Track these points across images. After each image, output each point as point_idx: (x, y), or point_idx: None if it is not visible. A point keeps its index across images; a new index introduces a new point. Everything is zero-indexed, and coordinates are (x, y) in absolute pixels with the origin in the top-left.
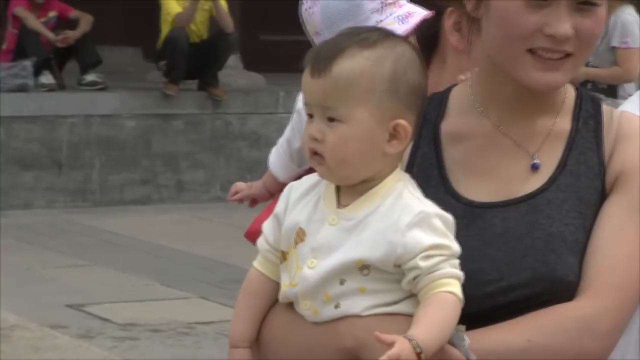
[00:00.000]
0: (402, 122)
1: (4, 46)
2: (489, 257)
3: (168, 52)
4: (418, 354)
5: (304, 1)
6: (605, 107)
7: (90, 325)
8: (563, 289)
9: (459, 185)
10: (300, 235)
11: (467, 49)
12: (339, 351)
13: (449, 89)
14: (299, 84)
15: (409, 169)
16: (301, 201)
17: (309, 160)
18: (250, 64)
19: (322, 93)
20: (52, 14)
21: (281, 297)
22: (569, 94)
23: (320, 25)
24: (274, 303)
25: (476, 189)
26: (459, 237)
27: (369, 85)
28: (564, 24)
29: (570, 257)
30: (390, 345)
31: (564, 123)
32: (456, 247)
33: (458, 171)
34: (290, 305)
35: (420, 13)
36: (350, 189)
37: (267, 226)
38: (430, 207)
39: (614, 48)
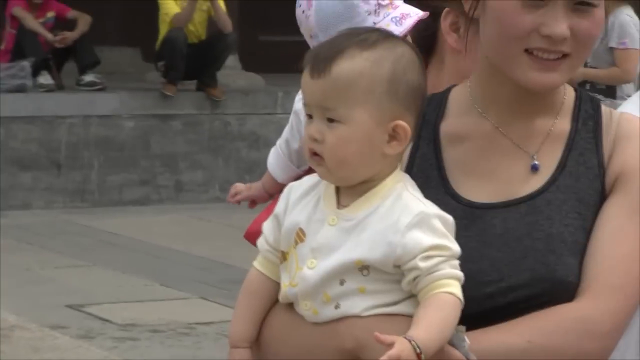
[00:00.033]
0: (401, 123)
1: (2, 46)
2: (489, 258)
3: (166, 52)
4: (418, 355)
5: (299, 4)
6: (604, 108)
7: (90, 326)
8: (563, 290)
9: (459, 186)
10: (300, 236)
11: (465, 49)
12: (339, 352)
13: (448, 90)
14: (297, 84)
15: (408, 170)
16: (301, 202)
17: (309, 161)
18: (248, 65)
19: (322, 94)
20: (51, 14)
21: (281, 297)
22: (569, 94)
23: (315, 29)
24: (274, 303)
25: (476, 190)
26: (458, 237)
27: (369, 86)
28: (560, 25)
29: (570, 258)
30: (390, 345)
31: (563, 124)
32: (456, 248)
33: (458, 172)
34: (290, 305)
35: (415, 14)
36: (350, 189)
37: (267, 226)
38: (430, 208)
39: (612, 49)
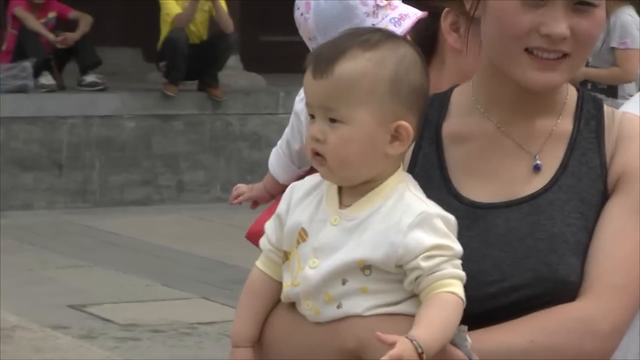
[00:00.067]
0: (403, 123)
1: (4, 47)
2: (491, 258)
3: (168, 52)
4: (419, 354)
5: (297, 6)
6: (606, 108)
7: (91, 326)
8: (565, 290)
9: (461, 186)
10: (302, 236)
11: (466, 49)
12: (341, 351)
13: (450, 90)
14: (299, 84)
15: (410, 170)
16: (303, 201)
17: (311, 161)
18: (250, 65)
19: (324, 94)
20: (52, 14)
21: (283, 297)
22: (571, 94)
23: (314, 31)
24: (276, 303)
25: (478, 190)
26: (460, 237)
27: (371, 86)
28: (559, 24)
29: (572, 258)
30: (392, 345)
31: (565, 124)
32: (458, 248)
33: (460, 172)
34: (292, 305)
35: (413, 14)
36: (352, 189)
37: (270, 226)
38: (432, 208)
39: (613, 49)
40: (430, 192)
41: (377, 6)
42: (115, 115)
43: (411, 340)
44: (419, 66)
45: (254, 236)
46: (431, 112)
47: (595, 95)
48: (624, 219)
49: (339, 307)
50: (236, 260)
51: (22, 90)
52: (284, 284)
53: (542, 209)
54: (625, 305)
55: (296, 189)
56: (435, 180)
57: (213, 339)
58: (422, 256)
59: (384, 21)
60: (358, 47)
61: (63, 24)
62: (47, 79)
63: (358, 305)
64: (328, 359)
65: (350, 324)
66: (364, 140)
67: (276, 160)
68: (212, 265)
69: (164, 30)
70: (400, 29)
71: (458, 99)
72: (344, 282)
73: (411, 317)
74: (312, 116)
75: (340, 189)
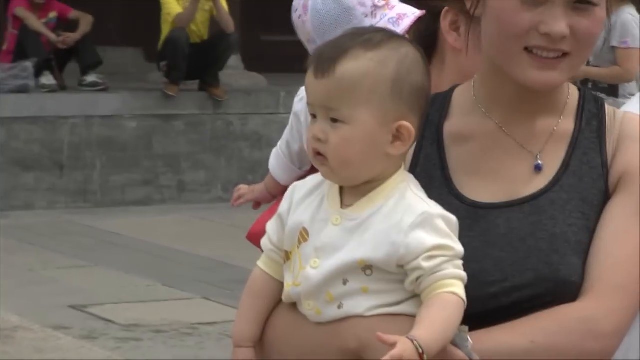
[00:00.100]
0: (405, 123)
1: (5, 47)
2: (493, 258)
3: (169, 52)
4: (420, 355)
5: (295, 9)
6: (608, 108)
7: (93, 326)
8: (566, 290)
9: (462, 185)
10: (303, 235)
11: (466, 48)
12: (342, 351)
13: (452, 90)
14: (300, 84)
15: (412, 170)
16: (305, 201)
17: (312, 161)
18: (251, 65)
19: (326, 94)
20: (53, 14)
21: (284, 297)
22: (572, 94)
23: (312, 33)
24: (278, 303)
25: (479, 190)
26: (462, 237)
27: (373, 86)
28: (559, 23)
29: (574, 258)
30: (393, 345)
31: (567, 123)
32: (459, 248)
33: (461, 172)
34: (293, 305)
35: (412, 14)
36: (354, 189)
37: (271, 226)
38: (434, 208)
39: (613, 48)
40: (432, 192)
41: (375, 6)
42: (116, 115)
43: (412, 341)
44: (420, 66)
45: (255, 237)
46: (432, 112)
47: (597, 95)
48: (625, 219)
49: (340, 307)
50: (237, 260)
51: (23, 90)
52: (285, 284)
53: (543, 208)
54: (626, 305)
55: (298, 189)
56: (436, 180)
57: (214, 339)
58: (423, 256)
59: (383, 21)
60: (360, 46)
61: (64, 24)
62: (48, 79)
63: (359, 305)
64: (329, 359)
65: (352, 324)
66: (365, 140)
67: (276, 161)
68: (213, 265)
69: (165, 30)
70: (399, 29)
71: (459, 99)
72: (345, 282)
73: (412, 317)
74: (314, 116)
75: (341, 188)
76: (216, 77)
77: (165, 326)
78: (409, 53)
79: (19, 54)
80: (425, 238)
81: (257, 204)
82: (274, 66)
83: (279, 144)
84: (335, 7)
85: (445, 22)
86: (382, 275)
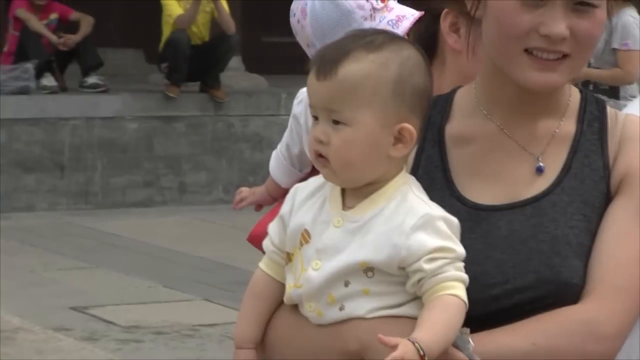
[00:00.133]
0: (407, 125)
1: (5, 48)
2: (494, 260)
3: (169, 54)
4: (421, 357)
5: (293, 13)
6: (609, 110)
7: (94, 328)
8: (568, 292)
9: (464, 187)
10: (305, 237)
11: (467, 49)
12: (343, 353)
13: (453, 91)
14: (300, 85)
15: (413, 172)
16: (306, 203)
17: (314, 162)
18: (252, 66)
19: (328, 96)
20: (54, 16)
21: (286, 298)
22: (574, 96)
23: (312, 38)
24: (279, 304)
25: (481, 192)
26: (463, 239)
27: (375, 88)
28: (559, 24)
29: (575, 260)
30: (394, 347)
31: (568, 125)
32: (461, 250)
33: (463, 174)
34: (295, 307)
35: (411, 15)
36: (356, 191)
37: (273, 227)
38: (435, 210)
39: (614, 50)
40: (433, 194)
41: (374, 9)
42: (117, 117)
43: (413, 343)
44: (422, 68)
45: (256, 239)
46: (434, 113)
47: (599, 97)
48: (627, 221)
49: (341, 309)
50: (238, 261)
51: (24, 91)
52: (287, 286)
53: (544, 211)
54: (628, 307)
55: (300, 190)
56: (438, 182)
57: (215, 340)
58: (424, 258)
59: (382, 24)
60: (362, 48)
61: (64, 25)
62: (48, 81)
63: (360, 307)
64: None
65: (353, 326)
66: (367, 142)
67: (276, 164)
68: (214, 266)
69: (166, 31)
70: (398, 31)
71: (461, 101)
72: (346, 284)
73: (413, 319)
74: (316, 118)
75: (343, 190)
76: (217, 79)
77: (166, 328)
78: (411, 55)
79: (20, 56)
80: (427, 240)
81: (258, 206)
82: (274, 68)
83: (278, 146)
84: (334, 10)
85: (445, 24)
86: (384, 277)
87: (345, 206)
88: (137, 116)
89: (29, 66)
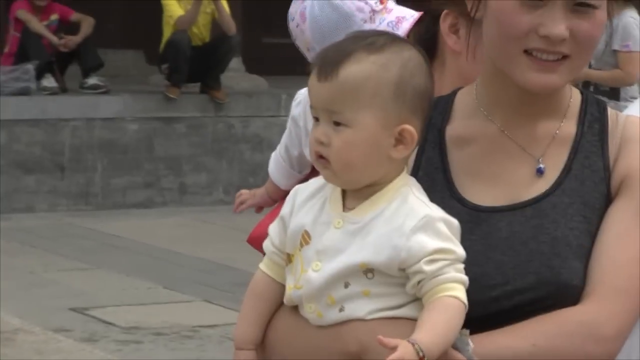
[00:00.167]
0: (408, 127)
1: (6, 49)
2: (494, 261)
3: (170, 55)
4: (421, 358)
5: (292, 17)
6: (610, 111)
7: (93, 329)
8: (568, 293)
9: (464, 189)
10: (305, 238)
11: (467, 50)
12: (343, 354)
13: (454, 93)
14: (301, 86)
15: (414, 173)
16: (307, 204)
17: (314, 164)
18: (252, 67)
19: (329, 97)
20: (54, 17)
21: (286, 299)
22: (575, 97)
23: (312, 42)
24: (280, 305)
25: (481, 193)
26: (463, 241)
27: (375, 89)
28: (558, 25)
29: (575, 262)
30: (394, 349)
31: (569, 127)
32: (461, 252)
33: (463, 175)
34: (295, 308)
35: (410, 16)
36: (356, 192)
37: (273, 228)
38: (436, 211)
39: (615, 51)
40: (434, 195)
41: (373, 11)
42: (117, 118)
43: (413, 344)
44: (423, 69)
45: (255, 241)
46: (434, 115)
47: (599, 98)
48: (627, 223)
49: (341, 310)
50: (238, 263)
51: (24, 92)
52: (287, 287)
53: (545, 212)
54: (628, 308)
55: (300, 192)
56: (438, 183)
57: (215, 342)
58: (424, 260)
59: (382, 25)
60: (363, 50)
61: (65, 26)
62: (49, 82)
63: (360, 308)
64: None
65: (353, 328)
66: (367, 144)
67: (276, 167)
68: (214, 268)
69: (166, 32)
70: (398, 32)
71: (461, 102)
72: (346, 285)
73: (413, 320)
74: (316, 119)
75: (344, 191)
76: (217, 80)
77: (166, 329)
78: (412, 56)
79: (21, 57)
80: (427, 242)
81: (259, 208)
82: (275, 69)
83: (277, 148)
84: (333, 14)
85: (444, 25)
86: (384, 278)
87: (345, 207)
88: (138, 117)
89: (30, 67)
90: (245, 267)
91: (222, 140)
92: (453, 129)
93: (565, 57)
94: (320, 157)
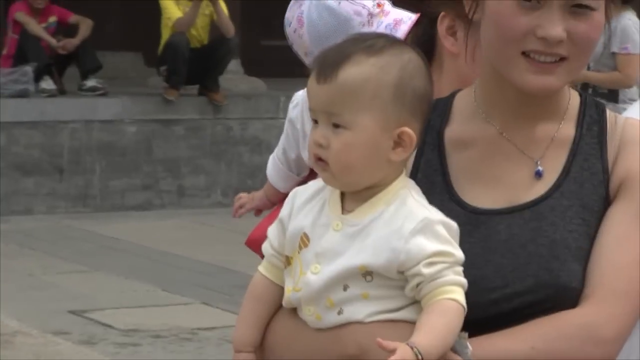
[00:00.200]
0: (407, 130)
1: (5, 52)
2: (493, 264)
3: (169, 57)
4: None
5: (289, 22)
6: (609, 113)
7: (92, 331)
8: (566, 296)
9: (463, 192)
10: (304, 241)
11: (465, 52)
12: (342, 357)
13: (452, 95)
14: (299, 89)
15: (413, 176)
16: (306, 206)
17: (313, 166)
18: (251, 69)
19: (328, 99)
20: (52, 19)
21: (285, 302)
22: (573, 99)
23: (310, 47)
24: (278, 308)
25: (480, 196)
26: (462, 244)
27: (375, 92)
28: (555, 27)
29: (574, 264)
30: (392, 351)
31: (568, 129)
32: (460, 255)
33: (462, 178)
34: (294, 310)
35: (408, 19)
36: (355, 194)
37: (272, 231)
38: (434, 214)
39: (614, 54)
40: (433, 198)
41: (371, 15)
42: (116, 120)
43: (412, 347)
44: (423, 72)
45: (254, 243)
46: (433, 117)
47: (598, 100)
48: (626, 225)
49: (340, 312)
50: (237, 265)
51: (23, 94)
52: (286, 289)
53: (543, 215)
54: (627, 311)
55: (299, 194)
56: (437, 186)
57: (214, 344)
58: (423, 263)
59: (380, 29)
60: (362, 52)
61: (64, 28)
62: (47, 84)
63: (359, 311)
64: None
65: (351, 330)
66: (366, 146)
67: (274, 169)
68: (213, 270)
69: (165, 34)
70: (396, 35)
71: (460, 104)
72: (345, 288)
73: (412, 323)
74: (315, 121)
75: (342, 194)
76: (216, 82)
77: (164, 331)
78: (412, 59)
79: (19, 59)
80: (426, 244)
81: (258, 211)
82: (273, 71)
83: (275, 151)
84: (331, 18)
85: (442, 27)
86: (383, 281)
87: (344, 210)
88: (136, 119)
89: (28, 69)
90: (243, 270)
91: (220, 142)
92: (452, 132)
93: (563, 59)
94: (319, 159)
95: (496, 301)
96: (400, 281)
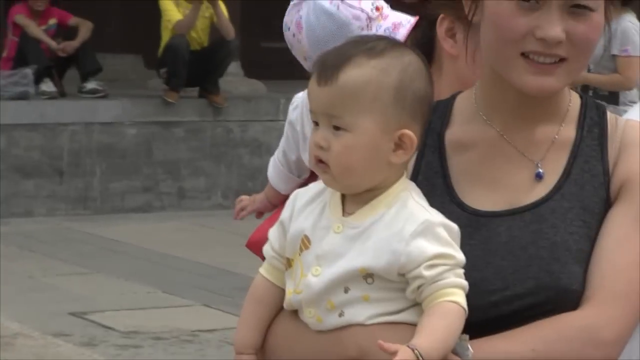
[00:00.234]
0: (407, 132)
1: (5, 54)
2: (494, 266)
3: (168, 59)
4: None
5: (287, 27)
6: (610, 115)
7: (93, 333)
8: (567, 298)
9: (464, 194)
10: (305, 243)
11: (466, 54)
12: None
13: (453, 97)
14: (299, 91)
15: (413, 178)
16: (306, 208)
17: (314, 168)
18: (250, 71)
19: (328, 101)
20: (52, 21)
21: (286, 304)
22: (574, 101)
23: (308, 51)
24: (279, 310)
25: (481, 198)
26: (463, 246)
27: (375, 94)
28: (554, 27)
29: (575, 266)
30: (393, 354)
31: (568, 131)
32: (461, 257)
33: (463, 180)
34: (294, 313)
35: (407, 22)
36: (356, 197)
37: (273, 233)
38: (435, 216)
39: (614, 56)
40: (433, 200)
41: (370, 19)
42: (116, 122)
43: (412, 349)
44: (423, 74)
45: (254, 245)
46: (434, 119)
47: (599, 102)
48: (626, 227)
49: (341, 315)
50: (238, 267)
51: (23, 97)
52: (287, 291)
53: (544, 217)
54: (627, 313)
55: (300, 196)
56: (438, 188)
57: (214, 346)
58: (424, 265)
59: (379, 32)
60: (363, 54)
61: (64, 31)
62: (47, 86)
63: (360, 313)
64: None
65: (352, 333)
66: (367, 148)
67: (275, 172)
68: (213, 272)
69: (165, 36)
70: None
71: (460, 106)
72: (346, 290)
73: (413, 325)
74: (316, 123)
75: (343, 196)
76: (216, 84)
77: (165, 333)
78: (412, 61)
79: (19, 61)
80: (427, 247)
81: (259, 214)
82: (273, 73)
83: (275, 153)
84: (330, 22)
85: (441, 29)
86: (383, 283)
87: (345, 212)
88: (136, 121)
89: (28, 71)
90: (244, 272)
91: (220, 144)
92: (452, 134)
93: (562, 59)
94: (320, 161)
95: (497, 303)
96: (401, 283)
